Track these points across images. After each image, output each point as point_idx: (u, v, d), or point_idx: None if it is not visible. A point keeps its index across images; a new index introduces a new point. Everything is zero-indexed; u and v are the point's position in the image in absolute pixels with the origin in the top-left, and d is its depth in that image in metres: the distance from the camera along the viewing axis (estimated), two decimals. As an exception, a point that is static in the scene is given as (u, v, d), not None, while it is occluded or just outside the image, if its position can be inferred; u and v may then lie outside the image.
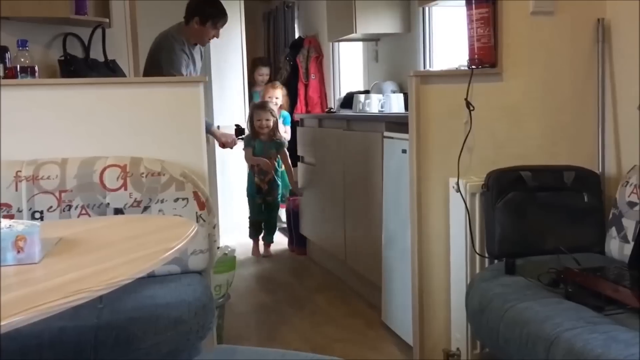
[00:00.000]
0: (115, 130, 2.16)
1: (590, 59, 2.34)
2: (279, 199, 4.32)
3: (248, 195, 4.31)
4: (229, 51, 4.78)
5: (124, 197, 2.05)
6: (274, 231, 4.40)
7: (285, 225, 4.55)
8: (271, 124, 4.11)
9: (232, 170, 4.70)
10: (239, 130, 3.99)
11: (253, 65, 5.26)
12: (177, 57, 3.26)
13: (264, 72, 5.25)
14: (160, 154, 2.17)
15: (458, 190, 2.17)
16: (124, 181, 2.05)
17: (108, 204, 2.04)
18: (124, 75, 2.84)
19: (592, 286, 1.75)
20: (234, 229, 4.56)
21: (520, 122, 2.30)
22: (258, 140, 4.13)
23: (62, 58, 2.73)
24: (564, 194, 2.17)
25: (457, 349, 2.20)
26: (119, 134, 2.17)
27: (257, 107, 4.20)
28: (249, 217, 4.34)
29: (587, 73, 2.34)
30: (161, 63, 3.25)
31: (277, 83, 4.69)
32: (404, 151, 2.49)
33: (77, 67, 2.72)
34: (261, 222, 4.29)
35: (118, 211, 2.05)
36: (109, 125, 2.16)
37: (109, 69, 2.82)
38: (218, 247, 2.76)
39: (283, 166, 4.24)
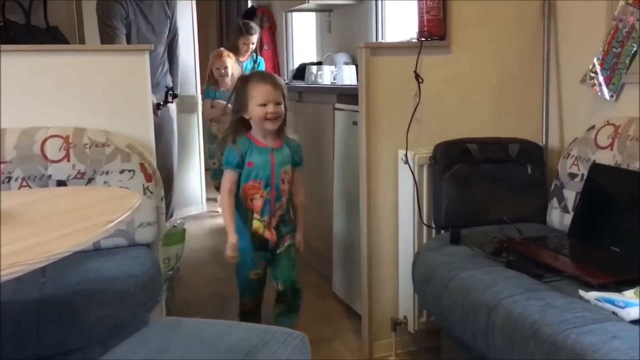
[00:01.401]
0: (57, 100, 2.09)
1: (536, 34, 2.38)
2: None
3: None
4: (178, 18, 4.64)
5: (67, 168, 1.99)
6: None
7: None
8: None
9: (191, 142, 4.57)
10: (172, 95, 3.50)
11: (238, 33, 4.41)
12: (110, 8, 3.15)
13: (249, 41, 4.30)
14: (105, 125, 2.11)
15: (406, 162, 2.19)
16: (67, 152, 2.00)
17: (50, 175, 1.98)
18: (66, 43, 2.73)
19: (533, 255, 1.81)
20: (191, 202, 4.51)
21: (468, 95, 2.33)
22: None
23: (1, 24, 2.61)
24: (508, 165, 2.22)
25: (405, 317, 2.25)
26: (61, 103, 2.09)
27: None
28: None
29: (533, 48, 2.38)
30: (99, 14, 3.16)
31: (224, 51, 4.21)
32: (354, 123, 2.50)
33: (16, 33, 2.62)
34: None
35: (61, 183, 1.99)
36: (50, 95, 2.09)
37: (51, 36, 2.71)
38: (170, 220, 2.73)
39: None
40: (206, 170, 4.48)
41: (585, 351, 1.25)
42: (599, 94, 2.15)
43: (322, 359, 2.27)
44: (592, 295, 1.48)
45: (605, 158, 2.01)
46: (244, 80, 2.16)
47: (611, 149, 2.01)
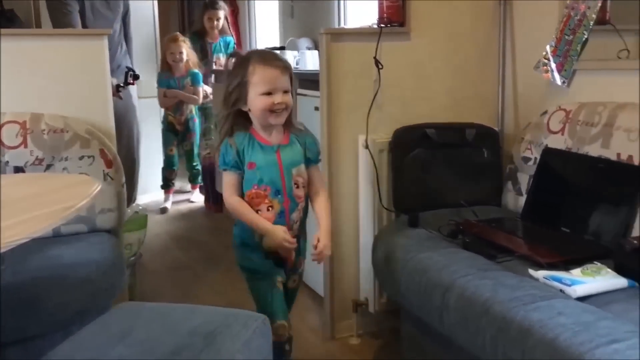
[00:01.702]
0: (13, 85, 2.06)
1: (492, 22, 2.43)
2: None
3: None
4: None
5: (25, 154, 1.97)
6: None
7: (201, 183, 4.52)
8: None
9: (152, 128, 4.52)
10: (133, 76, 3.38)
11: (203, 8, 4.33)
12: None
13: (215, 16, 4.17)
14: (64, 110, 2.09)
15: (366, 147, 2.23)
16: (24, 138, 1.97)
17: (7, 162, 1.96)
18: (22, 26, 2.68)
19: (487, 236, 1.88)
20: (152, 188, 4.47)
21: (427, 81, 2.38)
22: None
23: (-47, 6, 2.55)
24: (465, 150, 2.28)
25: (365, 298, 2.30)
26: (17, 89, 2.06)
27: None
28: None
29: (490, 35, 2.44)
30: None
31: (179, 35, 4.09)
32: (316, 108, 2.52)
33: (-31, 16, 2.55)
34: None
35: (18, 170, 1.97)
36: (6, 80, 2.05)
37: (7, 19, 2.65)
38: (131, 206, 2.72)
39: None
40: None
41: (533, 326, 1.31)
42: (552, 80, 2.22)
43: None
44: (541, 274, 1.55)
45: (557, 142, 2.09)
46: (242, 62, 1.68)
47: (562, 134, 2.08)
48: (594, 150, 1.94)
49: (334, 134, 2.27)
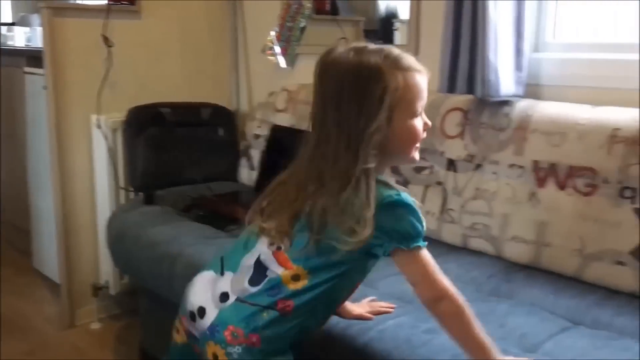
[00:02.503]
0: None
1: (224, 4, 2.54)
2: None
3: None
4: None
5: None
6: None
7: None
8: None
9: None
10: None
11: None
12: None
13: None
14: None
15: (99, 126, 2.18)
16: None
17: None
18: None
19: (218, 209, 1.98)
20: None
21: (161, 60, 2.40)
22: None
23: None
24: (201, 129, 2.36)
25: (106, 281, 2.26)
26: None
27: None
28: None
29: (222, 18, 2.55)
30: None
31: None
32: (45, 87, 2.38)
33: None
34: None
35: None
36: None
37: None
38: None
39: None
40: None
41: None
42: (277, 63, 2.41)
43: (17, 335, 2.17)
44: (259, 237, 1.69)
45: (283, 120, 2.27)
46: (370, 73, 1.01)
47: (287, 112, 2.27)
48: (312, 126, 2.16)
49: (64, 113, 2.18)
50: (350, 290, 1.14)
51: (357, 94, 1.00)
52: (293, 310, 1.03)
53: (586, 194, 1.46)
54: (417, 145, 1.08)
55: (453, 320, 1.02)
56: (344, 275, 1.05)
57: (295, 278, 1.04)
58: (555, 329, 1.23)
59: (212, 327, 1.05)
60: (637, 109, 1.45)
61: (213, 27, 2.53)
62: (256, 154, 2.34)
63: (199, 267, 1.59)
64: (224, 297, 1.07)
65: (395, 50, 1.05)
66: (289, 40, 2.37)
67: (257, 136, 2.35)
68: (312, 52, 2.34)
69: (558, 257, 1.49)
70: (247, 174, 2.37)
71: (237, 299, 1.06)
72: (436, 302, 1.02)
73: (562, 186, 1.50)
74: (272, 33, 2.38)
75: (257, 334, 1.02)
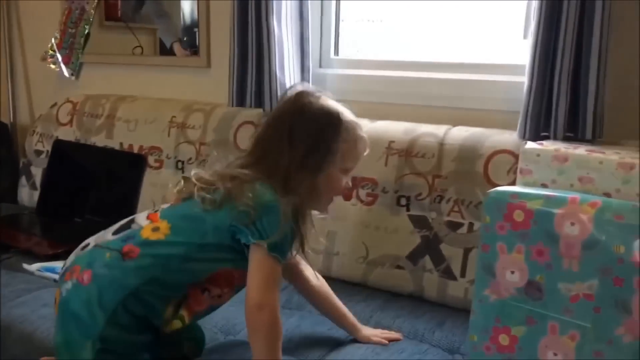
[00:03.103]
0: None
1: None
2: None
3: None
4: None
5: None
6: None
7: None
8: None
9: None
10: None
11: None
12: None
13: None
14: None
15: None
16: None
17: None
18: None
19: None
20: None
21: None
22: None
23: None
24: (-31, 146, 2.09)
25: None
26: None
27: None
28: None
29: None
30: None
31: None
32: None
33: None
34: None
35: None
36: None
37: None
38: None
39: None
40: None
41: (14, 322, 1.28)
42: (59, 72, 2.22)
43: None
44: (35, 266, 1.53)
45: (67, 134, 2.10)
46: (330, 120, 1.13)
47: (71, 125, 2.10)
48: (100, 140, 2.02)
49: None
50: (218, 284, 1.09)
51: (312, 131, 1.10)
52: (138, 256, 1.03)
53: (368, 204, 1.54)
54: (334, 198, 1.19)
55: (266, 331, 1.04)
56: (204, 248, 1.06)
57: (155, 229, 1.07)
58: (341, 338, 1.27)
59: (63, 270, 1.07)
60: (409, 123, 1.57)
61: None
62: (37, 172, 2.13)
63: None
64: (85, 246, 1.09)
65: (350, 114, 1.16)
66: (72, 47, 2.20)
67: (38, 152, 2.14)
68: (101, 62, 2.25)
69: (346, 264, 1.55)
70: (28, 195, 2.15)
71: (95, 246, 1.07)
72: (261, 308, 1.03)
73: (347, 197, 1.56)
74: (53, 40, 2.19)
75: (90, 271, 1.02)
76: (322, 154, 1.10)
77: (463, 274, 1.41)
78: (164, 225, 1.07)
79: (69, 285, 1.03)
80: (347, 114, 1.14)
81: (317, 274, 1.26)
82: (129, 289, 1.01)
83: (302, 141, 1.09)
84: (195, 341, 1.21)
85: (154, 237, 1.06)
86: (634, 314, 0.90)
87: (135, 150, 1.94)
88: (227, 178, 1.08)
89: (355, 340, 1.25)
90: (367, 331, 1.27)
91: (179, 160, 1.86)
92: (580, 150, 1.12)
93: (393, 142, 1.53)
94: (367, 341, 1.25)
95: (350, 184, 1.19)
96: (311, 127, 1.10)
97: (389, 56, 1.88)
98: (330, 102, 1.14)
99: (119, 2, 2.33)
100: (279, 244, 1.04)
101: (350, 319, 1.27)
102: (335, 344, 1.24)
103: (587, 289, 0.95)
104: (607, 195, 1.04)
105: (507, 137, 1.43)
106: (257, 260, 1.04)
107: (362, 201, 1.55)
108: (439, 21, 1.78)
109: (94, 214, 1.94)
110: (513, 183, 1.24)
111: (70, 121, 2.10)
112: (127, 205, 1.91)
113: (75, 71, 2.22)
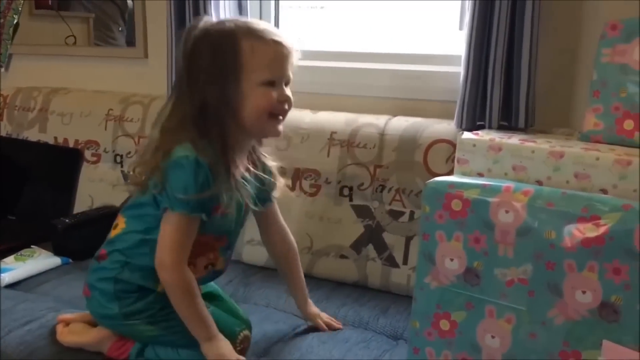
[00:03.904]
0: None
1: None
2: None
3: None
4: None
5: None
6: None
7: None
8: None
9: None
10: None
11: None
12: None
13: None
14: None
15: None
16: None
17: None
18: None
19: None
20: None
21: None
22: None
23: None
24: None
25: None
26: None
27: None
28: None
29: None
30: None
31: None
32: None
33: None
34: None
35: None
36: None
37: None
38: None
39: None
40: None
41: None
42: None
43: None
44: (-33, 268, 1.47)
45: (-2, 129, 2.01)
46: (223, 38, 1.03)
47: (2, 119, 2.01)
48: (33, 134, 1.95)
49: None
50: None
51: (207, 60, 1.02)
52: (107, 254, 1.13)
53: (312, 194, 1.55)
54: (274, 115, 1.07)
55: (173, 292, 1.04)
56: (154, 229, 1.06)
57: (115, 227, 1.15)
58: (286, 329, 1.28)
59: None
60: (350, 114, 1.58)
61: None
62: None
63: None
64: None
65: (258, 21, 1.08)
66: (0, 38, 2.10)
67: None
68: (32, 53, 2.16)
69: (291, 255, 1.56)
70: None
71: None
72: (161, 268, 1.04)
73: (291, 188, 1.56)
74: (-22, 30, 2.09)
75: (86, 285, 1.15)
76: (224, 76, 1.01)
77: (405, 262, 1.44)
78: (121, 220, 1.14)
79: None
80: (246, 24, 1.05)
81: (290, 234, 1.29)
82: (113, 281, 1.10)
83: (201, 77, 1.02)
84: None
85: (114, 234, 1.14)
86: (565, 296, 0.95)
87: (71, 145, 1.89)
88: (150, 152, 1.07)
89: (301, 332, 1.26)
90: (314, 309, 1.29)
91: (118, 154, 1.81)
92: (514, 139, 1.16)
93: (335, 132, 1.54)
94: (312, 318, 1.27)
95: (287, 94, 1.07)
96: (205, 56, 1.02)
97: (330, 47, 1.88)
98: (224, 22, 1.08)
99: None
100: (185, 199, 1.00)
101: (304, 292, 1.29)
102: (282, 335, 1.25)
103: (522, 274, 0.98)
104: (539, 183, 1.08)
105: (444, 127, 1.46)
106: (163, 220, 1.04)
107: (305, 192, 1.56)
108: (377, 12, 1.79)
109: (28, 211, 1.88)
110: (451, 171, 1.27)
111: (1, 115, 2.01)
112: (63, 202, 1.85)
113: (5, 63, 2.12)
